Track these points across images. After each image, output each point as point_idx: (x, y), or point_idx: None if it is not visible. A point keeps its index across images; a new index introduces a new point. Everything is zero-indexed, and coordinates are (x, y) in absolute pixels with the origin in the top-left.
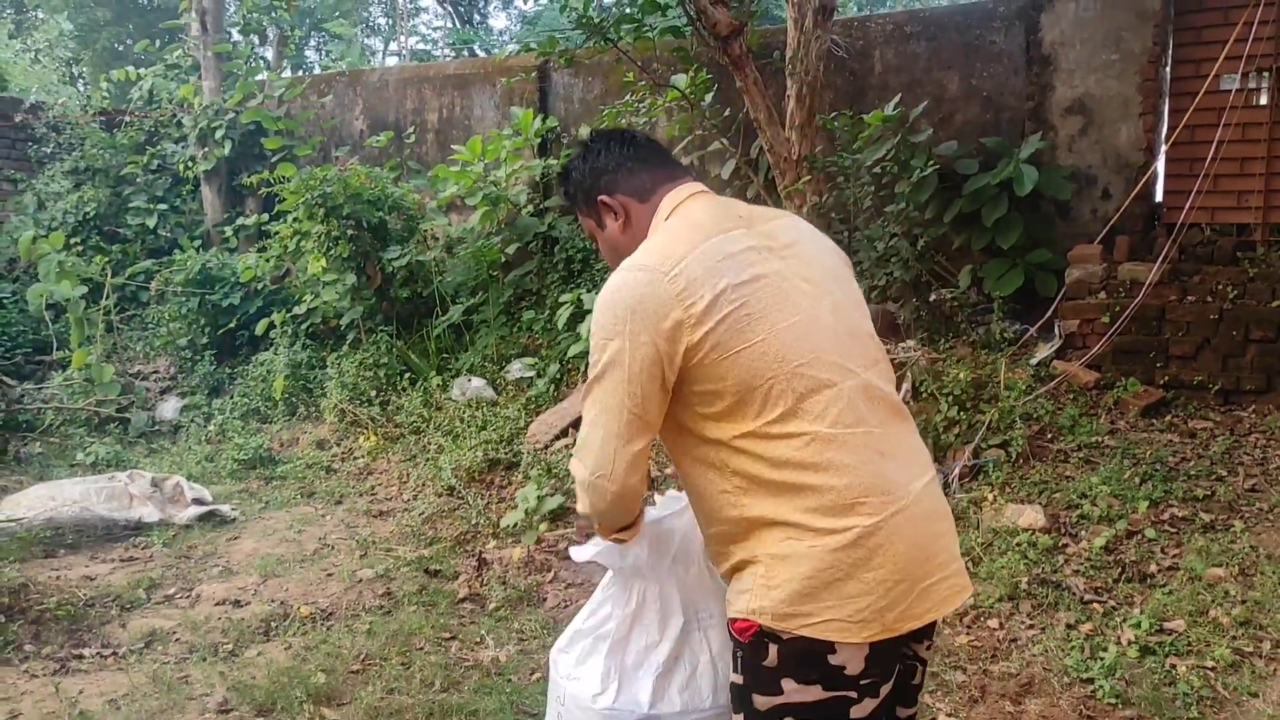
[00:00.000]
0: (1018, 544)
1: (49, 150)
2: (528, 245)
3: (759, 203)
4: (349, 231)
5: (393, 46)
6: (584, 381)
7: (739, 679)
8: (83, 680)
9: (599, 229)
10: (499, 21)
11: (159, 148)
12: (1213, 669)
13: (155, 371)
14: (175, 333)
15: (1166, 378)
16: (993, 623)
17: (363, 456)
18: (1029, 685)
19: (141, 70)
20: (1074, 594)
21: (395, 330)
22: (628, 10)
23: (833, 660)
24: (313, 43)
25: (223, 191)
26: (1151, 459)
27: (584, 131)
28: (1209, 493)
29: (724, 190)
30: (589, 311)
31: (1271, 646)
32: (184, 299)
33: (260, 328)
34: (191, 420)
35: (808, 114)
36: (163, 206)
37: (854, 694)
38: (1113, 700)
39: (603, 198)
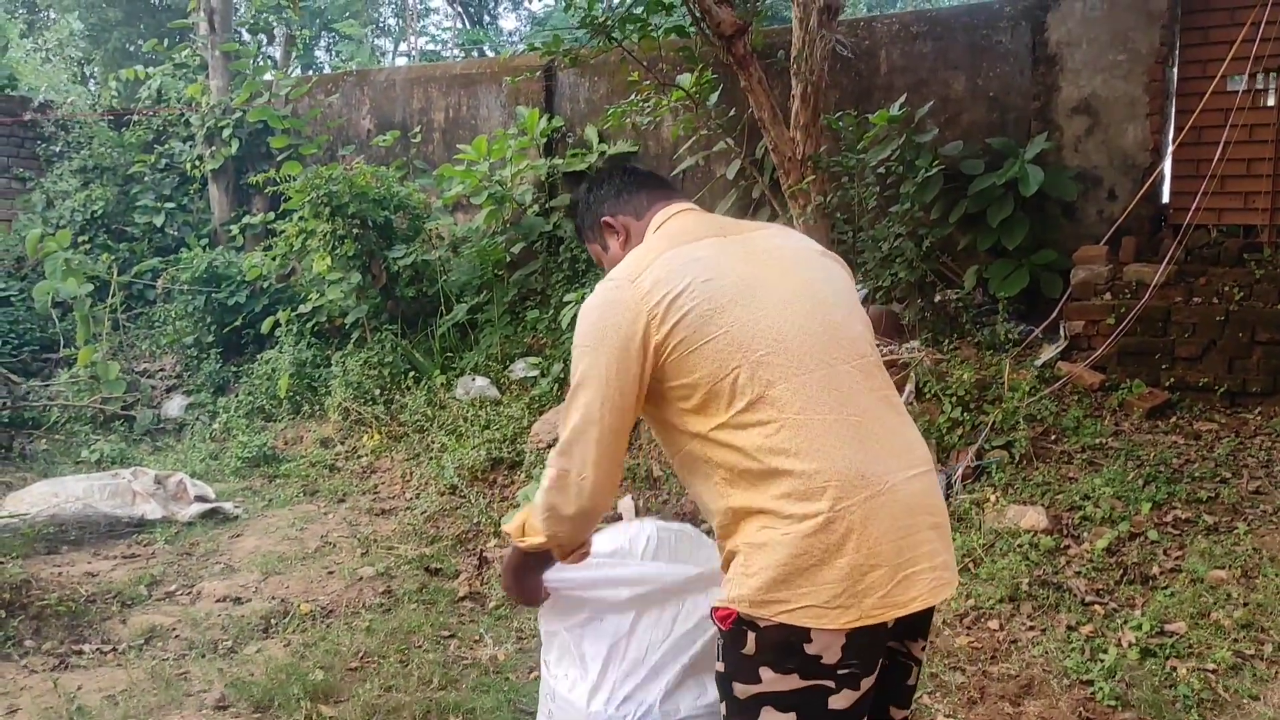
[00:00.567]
0: (1019, 545)
1: (57, 149)
2: (532, 245)
3: (764, 202)
4: (354, 230)
5: (402, 47)
6: None
7: (721, 666)
8: (82, 676)
9: (604, 251)
10: (509, 22)
11: (166, 146)
12: (1214, 671)
13: (161, 369)
14: (181, 331)
15: (1172, 379)
16: (993, 624)
17: (366, 455)
18: (1028, 687)
19: (150, 69)
20: (1075, 596)
21: (400, 329)
22: (633, 10)
23: (809, 649)
24: (323, 43)
25: (230, 190)
26: (1155, 461)
27: (590, 132)
28: (1213, 495)
29: (729, 189)
30: None
31: (1273, 649)
32: (190, 297)
33: (266, 326)
34: (196, 418)
35: (812, 114)
36: (170, 205)
37: (831, 684)
38: (1112, 702)
39: (606, 219)
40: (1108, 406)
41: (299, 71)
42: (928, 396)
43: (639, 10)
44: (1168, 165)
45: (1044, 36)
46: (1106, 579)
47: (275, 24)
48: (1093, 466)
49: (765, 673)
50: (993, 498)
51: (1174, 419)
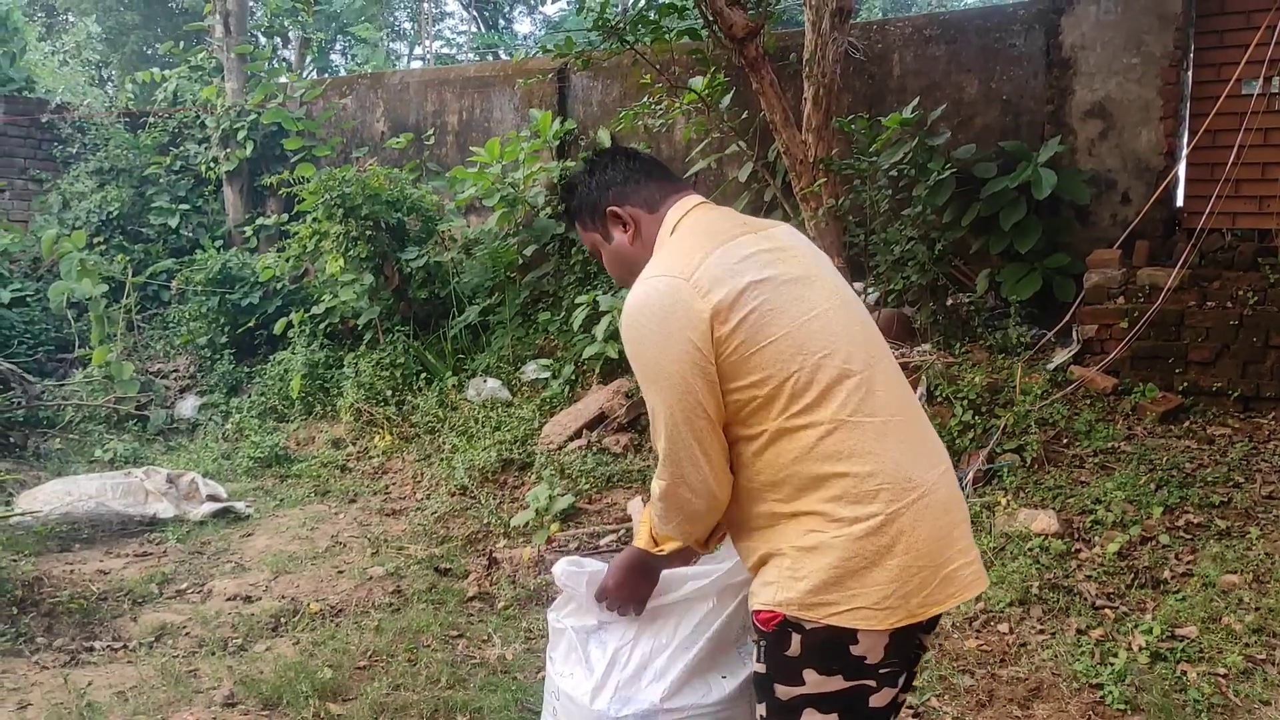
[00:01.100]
0: (1030, 549)
1: (74, 150)
2: (545, 247)
3: (775, 204)
4: (367, 232)
5: (417, 51)
6: (600, 384)
7: (761, 668)
8: (92, 672)
9: (604, 242)
10: (523, 26)
11: (182, 148)
12: (1224, 676)
13: (174, 370)
14: (195, 332)
15: (1185, 384)
16: (1002, 627)
17: (377, 456)
18: (1037, 690)
19: (166, 72)
20: (1085, 599)
21: (412, 330)
22: (645, 13)
23: (855, 650)
24: (338, 47)
25: (244, 192)
26: (1168, 465)
27: (603, 135)
28: (1225, 499)
29: (741, 192)
30: (605, 313)
31: None
32: (204, 298)
33: (279, 327)
34: (209, 418)
35: (824, 116)
36: (185, 206)
37: (873, 683)
38: (1122, 706)
39: (613, 208)
40: (1120, 410)
41: (313, 74)
42: (939, 400)
43: (651, 13)
44: (1182, 169)
45: (1058, 40)
46: (1117, 583)
47: (290, 27)
48: (1104, 470)
49: (809, 675)
50: (1004, 501)
51: (1187, 423)
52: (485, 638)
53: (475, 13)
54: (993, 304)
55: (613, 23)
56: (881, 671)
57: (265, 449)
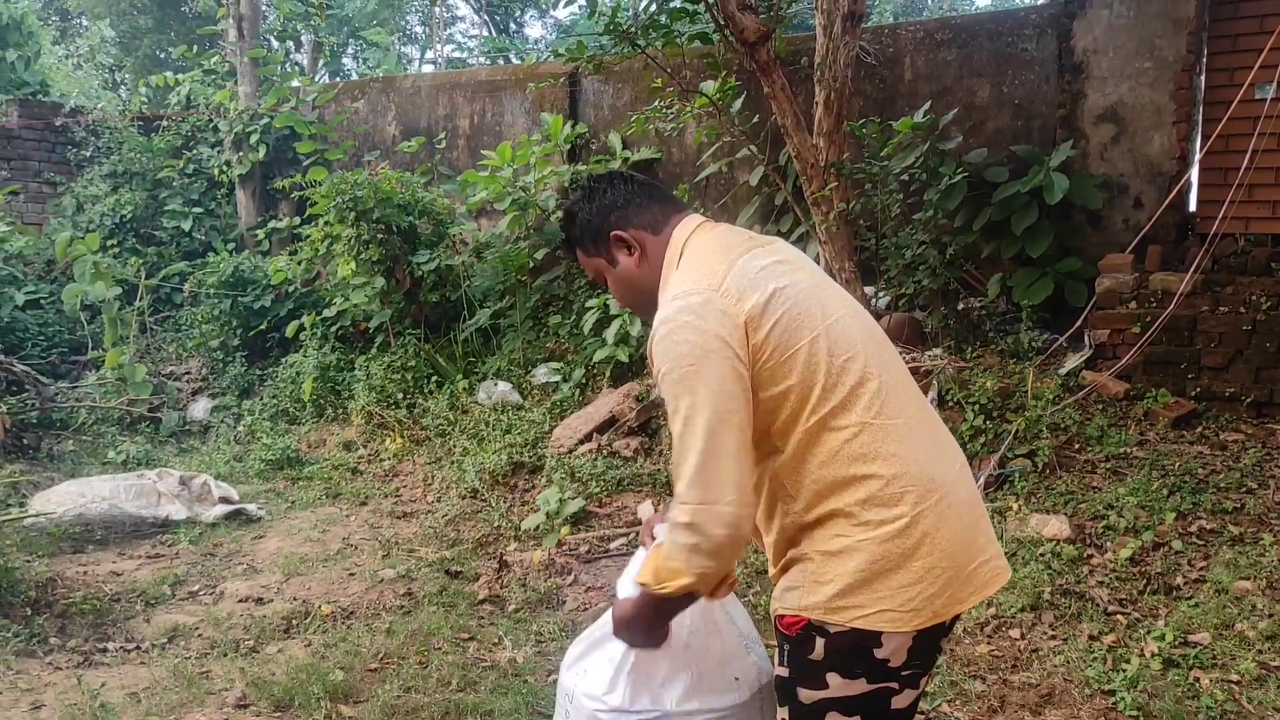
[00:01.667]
0: (1042, 554)
1: (88, 154)
2: (555, 251)
3: (786, 208)
4: (379, 235)
5: (429, 55)
6: (610, 387)
7: (784, 671)
8: (105, 673)
9: (610, 266)
10: (534, 30)
11: (195, 152)
12: (1237, 683)
13: (187, 372)
14: (207, 334)
15: (1198, 389)
16: (1014, 632)
17: (388, 458)
18: (1049, 696)
19: (179, 76)
20: (1098, 605)
21: (423, 334)
22: (657, 17)
23: (879, 654)
24: (350, 50)
25: (256, 195)
26: (1180, 471)
27: (614, 139)
28: (1238, 505)
29: (752, 196)
30: (615, 317)
31: None
32: (216, 301)
33: (290, 330)
34: (221, 420)
35: (835, 120)
36: (198, 210)
37: (896, 685)
38: (1134, 712)
39: (616, 232)
40: (1132, 416)
41: (326, 78)
42: (950, 404)
43: (663, 17)
44: (1194, 173)
45: (1070, 44)
46: (1130, 589)
47: (303, 31)
48: (1117, 476)
49: (833, 678)
50: (1015, 506)
51: (1200, 429)
52: (496, 640)
53: (486, 17)
54: (1004, 308)
55: (624, 27)
56: (904, 674)
57: (277, 451)
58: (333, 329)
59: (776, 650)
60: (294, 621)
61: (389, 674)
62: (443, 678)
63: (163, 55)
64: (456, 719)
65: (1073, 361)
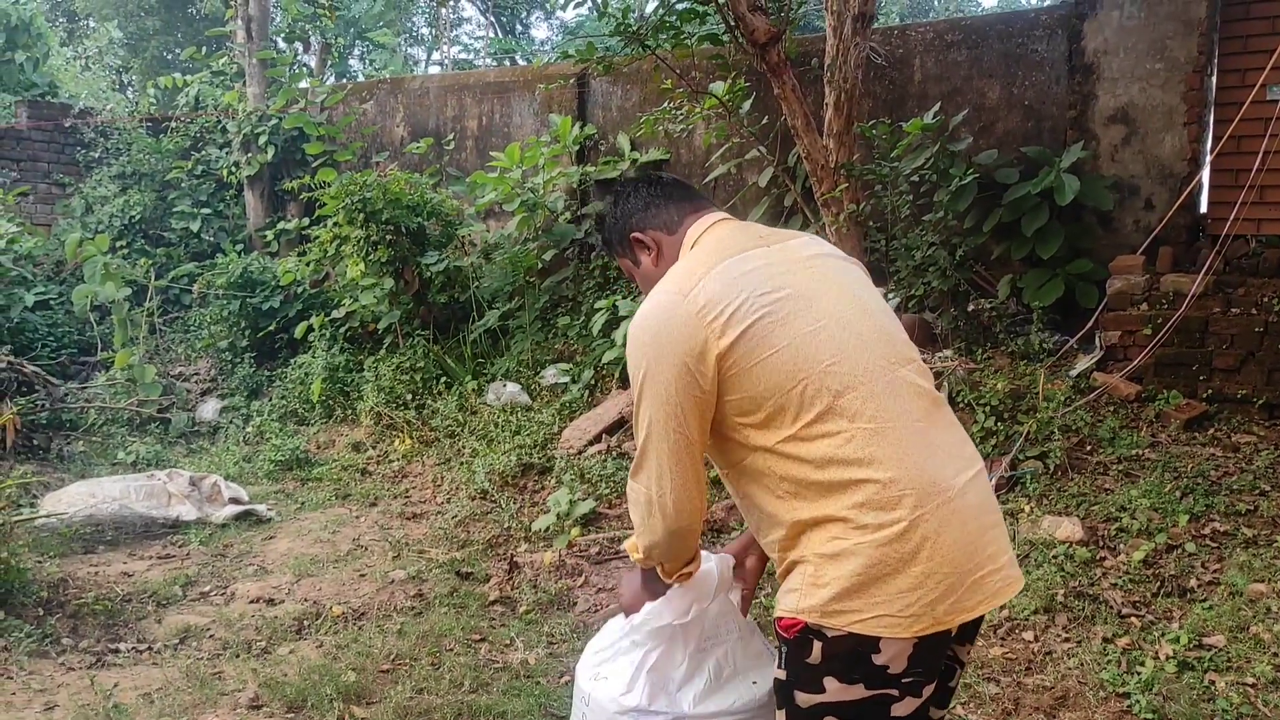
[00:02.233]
0: (1054, 556)
1: (97, 155)
2: (564, 252)
3: (796, 210)
4: (388, 236)
5: (435, 56)
6: (619, 388)
7: (782, 675)
8: (118, 674)
9: (635, 266)
10: (540, 32)
11: (203, 153)
12: (1253, 685)
13: (196, 373)
14: (216, 335)
15: (1209, 391)
16: (1028, 635)
17: (397, 459)
18: (1063, 699)
19: (188, 77)
20: (1111, 607)
21: (432, 335)
22: (666, 18)
23: (876, 660)
24: (356, 52)
25: (265, 196)
26: (1193, 473)
27: (623, 140)
28: (1251, 507)
29: (761, 197)
30: (624, 318)
31: None
32: (225, 302)
33: (299, 331)
34: (230, 421)
35: (845, 121)
36: (206, 211)
37: (895, 692)
38: (1149, 715)
39: (636, 234)
40: (1144, 417)
41: (333, 80)
42: (961, 406)
43: (672, 18)
44: (1206, 175)
45: (1080, 45)
46: (1143, 591)
47: (311, 32)
48: (1129, 478)
49: (830, 683)
50: (1027, 508)
51: (1212, 431)
52: (508, 642)
53: (492, 18)
54: (1015, 310)
55: (634, 28)
56: (905, 681)
57: (286, 452)
58: (341, 330)
59: (777, 653)
60: (305, 622)
61: (401, 675)
62: (455, 679)
63: (170, 57)
64: None
65: (1084, 363)
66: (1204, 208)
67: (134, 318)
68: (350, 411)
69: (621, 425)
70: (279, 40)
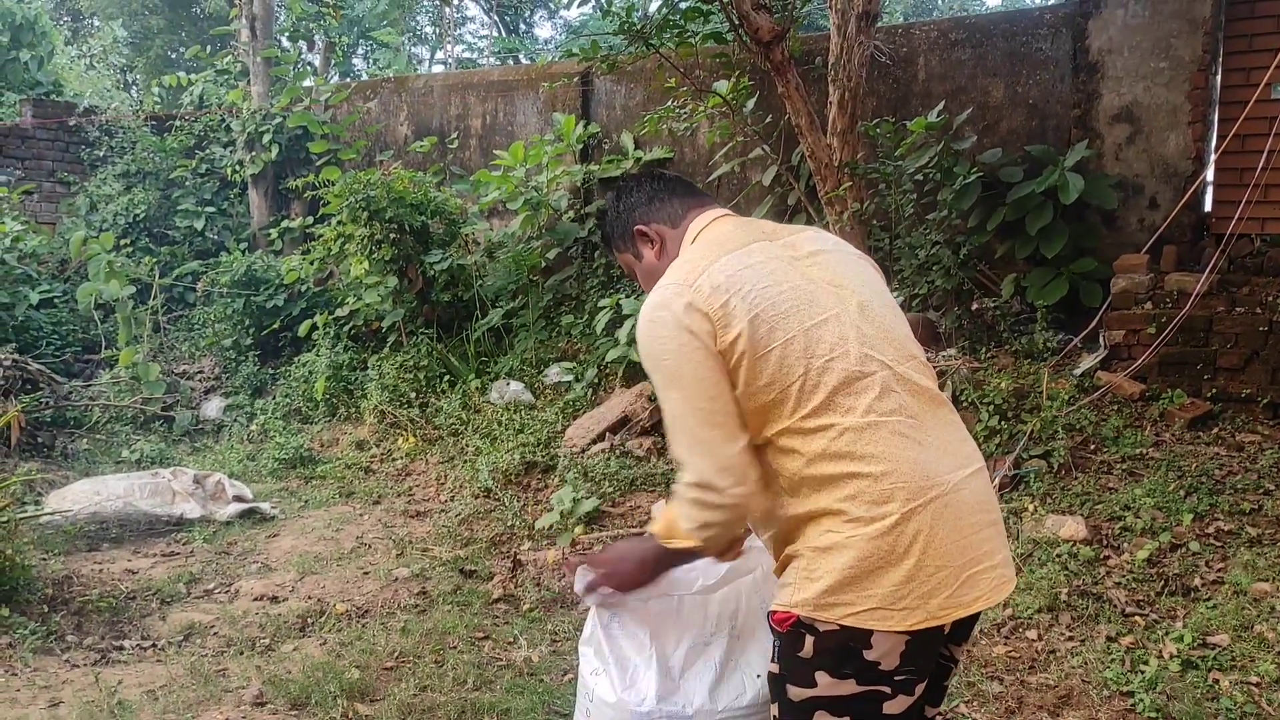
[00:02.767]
0: (1058, 555)
1: (101, 153)
2: (568, 250)
3: (799, 208)
4: (391, 235)
5: (439, 55)
6: (623, 387)
7: (775, 668)
8: (122, 671)
9: (637, 261)
10: (544, 31)
11: (208, 152)
12: (1257, 684)
13: (200, 371)
14: (220, 333)
15: (1214, 390)
16: (1031, 634)
17: (401, 458)
18: (1067, 697)
19: (192, 76)
20: (1115, 606)
21: (435, 333)
22: (670, 17)
23: (868, 655)
24: (360, 51)
25: (269, 195)
26: (1197, 472)
27: (626, 139)
28: (1256, 507)
29: (765, 196)
30: (628, 316)
31: None
32: (229, 300)
33: (303, 329)
34: (234, 419)
35: (849, 120)
36: (210, 209)
37: (887, 689)
38: (1153, 715)
39: (639, 227)
40: (1148, 417)
41: (337, 78)
42: (965, 405)
43: (676, 17)
44: (1210, 174)
45: (1085, 43)
46: (1147, 590)
47: (315, 31)
48: (1133, 477)
49: (821, 677)
50: (1031, 507)
51: (1216, 430)
52: (511, 640)
53: (496, 17)
54: (1018, 309)
55: (638, 27)
56: (897, 678)
57: (290, 450)
58: (345, 328)
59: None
60: (309, 620)
61: (405, 672)
62: (458, 676)
63: (174, 55)
64: (473, 718)
65: (1088, 362)
66: (1208, 207)
67: (138, 316)
68: (354, 410)
69: (625, 424)
70: (283, 39)
